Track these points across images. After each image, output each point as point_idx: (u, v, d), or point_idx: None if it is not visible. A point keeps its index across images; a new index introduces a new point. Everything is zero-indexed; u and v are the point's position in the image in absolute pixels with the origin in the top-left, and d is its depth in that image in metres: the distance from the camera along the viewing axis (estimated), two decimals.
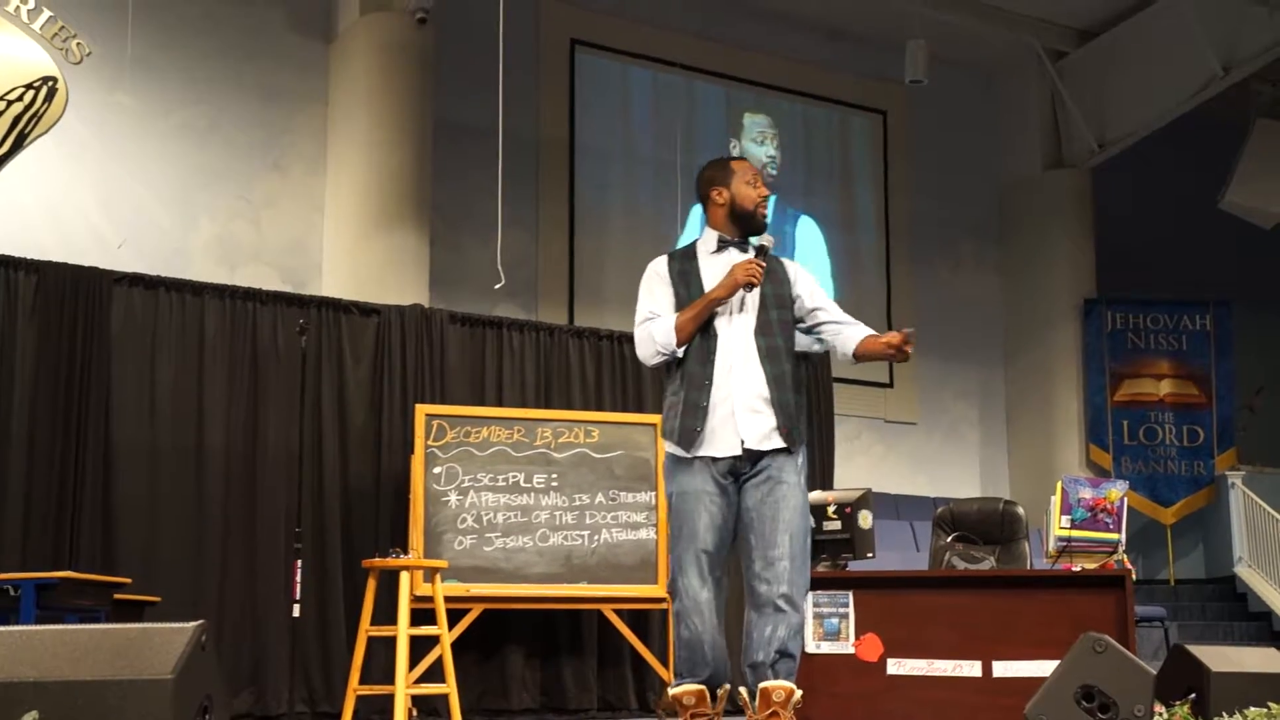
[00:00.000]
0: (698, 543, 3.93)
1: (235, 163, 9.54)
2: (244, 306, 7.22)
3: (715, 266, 4.10)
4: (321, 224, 9.71)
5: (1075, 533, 5.44)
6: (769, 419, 3.97)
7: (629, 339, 8.30)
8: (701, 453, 3.96)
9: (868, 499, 5.82)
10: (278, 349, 7.23)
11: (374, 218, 9.31)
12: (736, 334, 4.02)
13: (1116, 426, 12.30)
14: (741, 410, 3.96)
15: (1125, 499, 5.55)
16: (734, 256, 4.10)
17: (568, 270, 10.85)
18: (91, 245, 8.65)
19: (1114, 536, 5.48)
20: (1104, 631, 3.78)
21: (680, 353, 4.02)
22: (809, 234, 11.98)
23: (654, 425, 7.63)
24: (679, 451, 4.01)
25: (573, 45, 11.11)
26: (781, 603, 3.87)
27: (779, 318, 4.08)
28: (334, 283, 9.28)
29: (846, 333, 4.12)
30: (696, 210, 11.38)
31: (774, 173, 11.73)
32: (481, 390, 7.81)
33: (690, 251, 4.20)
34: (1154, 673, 3.61)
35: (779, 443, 3.97)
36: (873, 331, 4.12)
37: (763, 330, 4.04)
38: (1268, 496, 11.68)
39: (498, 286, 8.63)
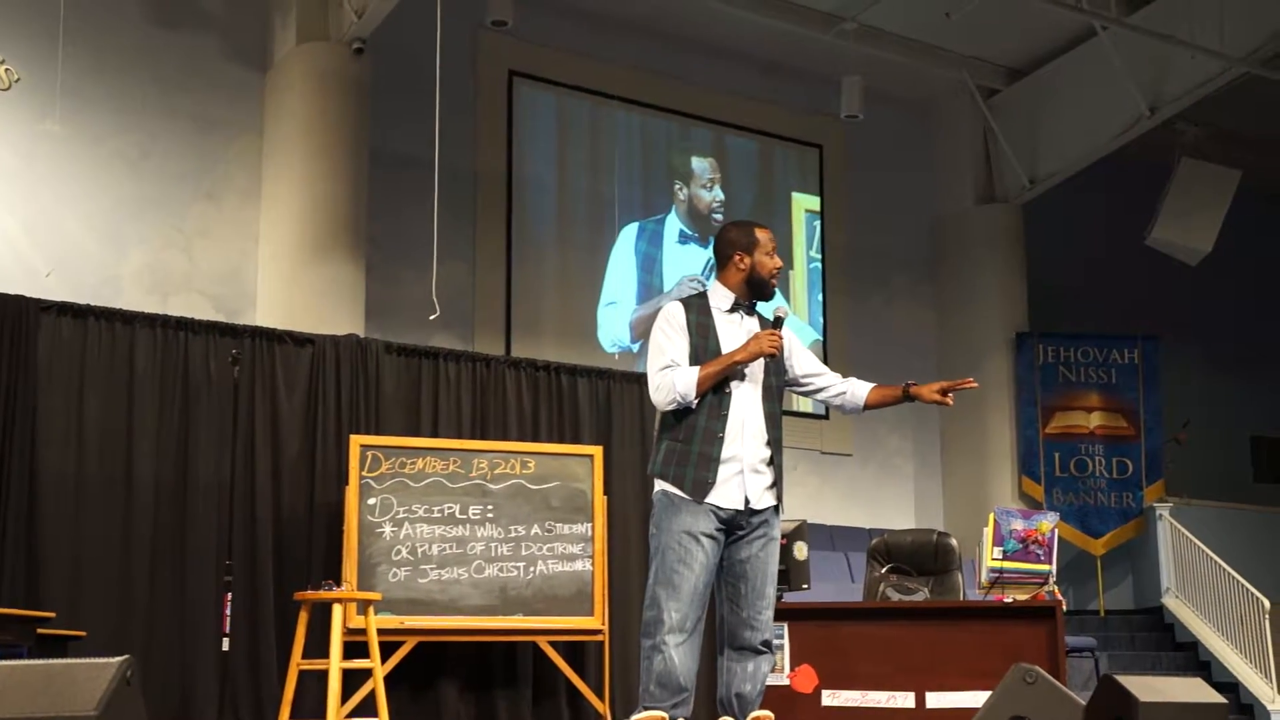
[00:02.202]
0: (692, 582, 4.16)
1: (168, 192, 9.44)
2: (175, 336, 7.13)
3: (730, 325, 4.38)
4: (256, 253, 9.62)
5: (1007, 564, 5.50)
6: (767, 478, 4.30)
7: (566, 370, 8.33)
8: (708, 501, 4.22)
9: (803, 530, 5.86)
10: (210, 379, 7.14)
11: (309, 248, 9.25)
12: (747, 396, 4.30)
13: (1048, 458, 12.46)
14: (749, 469, 4.26)
15: (1056, 530, 5.62)
16: (745, 318, 4.41)
17: (504, 301, 10.82)
18: (19, 274, 8.50)
19: (1045, 568, 5.55)
20: (1035, 662, 3.82)
21: (695, 403, 4.26)
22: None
23: (590, 456, 7.62)
24: (684, 495, 4.22)
25: (510, 77, 11.13)
26: (762, 647, 4.26)
27: (776, 384, 4.40)
28: (268, 312, 9.19)
29: (852, 389, 4.50)
30: (627, 233, 11.42)
31: (719, 216, 11.78)
32: (417, 421, 7.76)
33: (704, 305, 4.42)
34: (1083, 703, 3.64)
35: (773, 501, 4.31)
36: (871, 383, 4.51)
37: (767, 395, 4.35)
38: (1194, 528, 11.87)
39: (433, 317, 8.59)
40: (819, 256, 12.56)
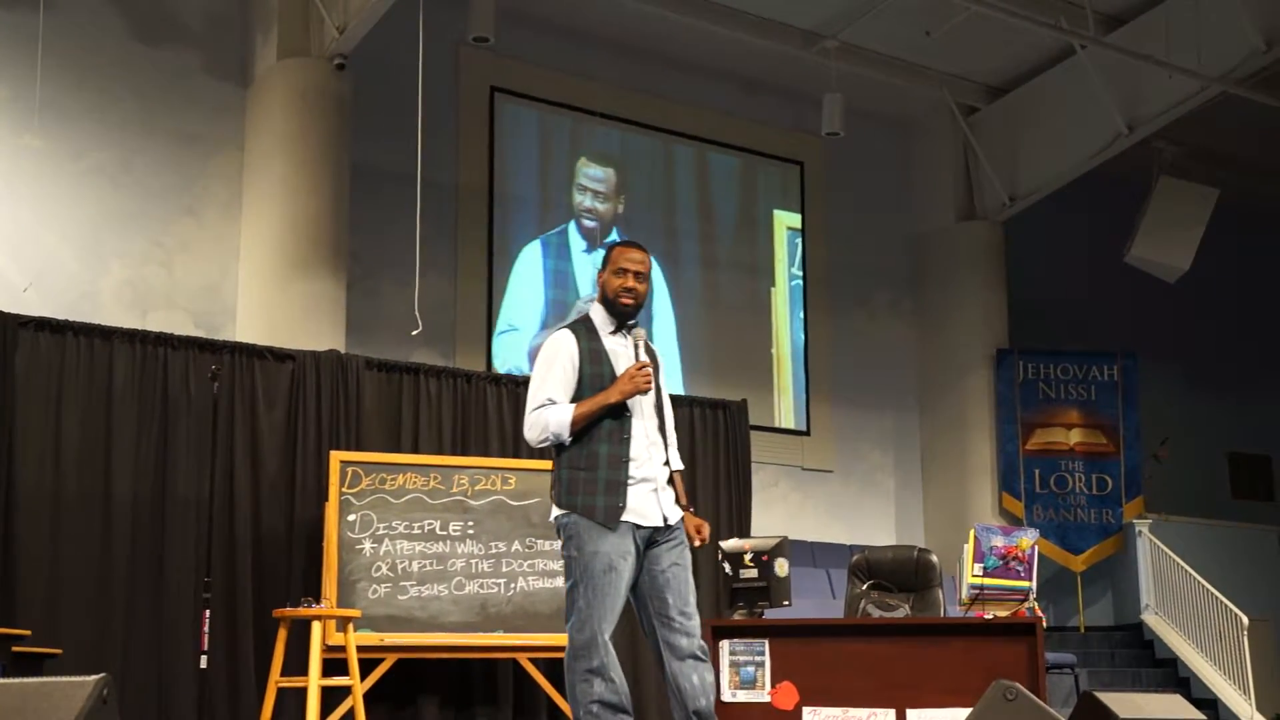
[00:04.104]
0: (619, 602, 4.16)
1: (148, 207, 9.40)
2: (155, 351, 7.10)
3: (618, 347, 4.37)
4: (236, 269, 9.59)
5: (988, 580, 5.50)
6: (672, 493, 4.35)
7: None
8: (627, 520, 4.21)
9: (784, 547, 5.84)
10: (189, 394, 7.11)
11: (290, 263, 9.22)
12: (645, 416, 4.33)
13: (1028, 475, 12.49)
14: (660, 487, 4.30)
15: (1036, 547, 5.63)
16: (623, 341, 4.36)
17: (485, 317, 10.81)
18: None
19: (1025, 584, 5.55)
20: (1015, 678, 3.82)
21: (568, 440, 4.25)
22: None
23: None
24: (599, 523, 4.20)
25: (492, 93, 11.14)
26: (700, 652, 4.21)
27: (656, 401, 4.42)
28: (248, 328, 9.15)
29: (671, 462, 4.41)
30: (529, 252, 11.31)
31: (591, 224, 11.39)
32: (398, 437, 7.74)
33: (591, 328, 4.39)
34: None
35: (680, 511, 4.35)
36: (681, 467, 4.47)
37: (658, 411, 4.38)
38: (1173, 544, 11.91)
39: (415, 333, 8.57)
40: (800, 273, 12.58)
